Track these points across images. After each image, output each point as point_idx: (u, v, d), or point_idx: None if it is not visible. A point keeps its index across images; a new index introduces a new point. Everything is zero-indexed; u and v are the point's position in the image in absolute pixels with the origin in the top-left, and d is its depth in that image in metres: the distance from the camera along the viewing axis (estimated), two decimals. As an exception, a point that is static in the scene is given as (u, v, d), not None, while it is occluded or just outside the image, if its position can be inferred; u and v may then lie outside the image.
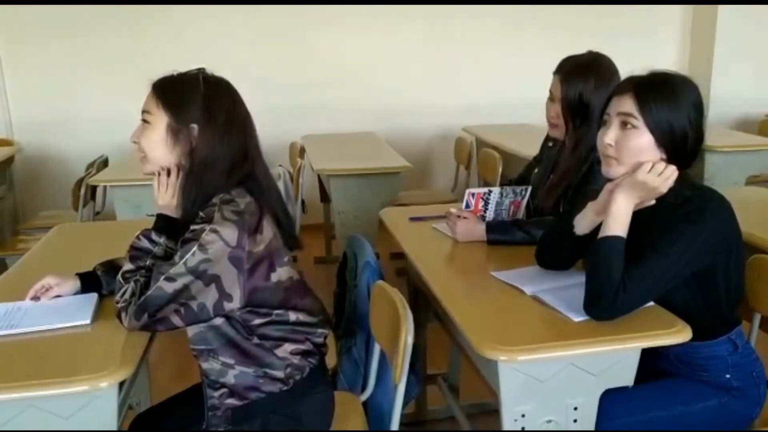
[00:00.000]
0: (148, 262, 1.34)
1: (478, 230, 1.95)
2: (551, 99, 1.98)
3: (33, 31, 4.39)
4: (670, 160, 1.40)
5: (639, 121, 1.38)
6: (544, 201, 2.02)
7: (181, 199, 1.38)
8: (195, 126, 1.35)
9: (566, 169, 1.95)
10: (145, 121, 1.39)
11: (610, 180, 1.46)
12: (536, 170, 2.17)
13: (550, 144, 2.15)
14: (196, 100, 1.34)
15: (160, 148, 1.37)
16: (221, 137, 1.35)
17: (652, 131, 1.37)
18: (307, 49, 4.72)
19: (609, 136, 1.42)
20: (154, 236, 1.38)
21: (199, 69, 1.40)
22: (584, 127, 1.89)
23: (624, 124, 1.40)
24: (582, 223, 1.52)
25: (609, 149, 1.42)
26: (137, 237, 1.38)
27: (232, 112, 1.37)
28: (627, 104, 1.39)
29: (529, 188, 2.07)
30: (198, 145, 1.35)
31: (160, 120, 1.36)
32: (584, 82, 1.89)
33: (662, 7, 5.12)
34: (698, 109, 1.40)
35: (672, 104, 1.37)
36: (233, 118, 1.37)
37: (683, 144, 1.39)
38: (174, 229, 1.39)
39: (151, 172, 1.42)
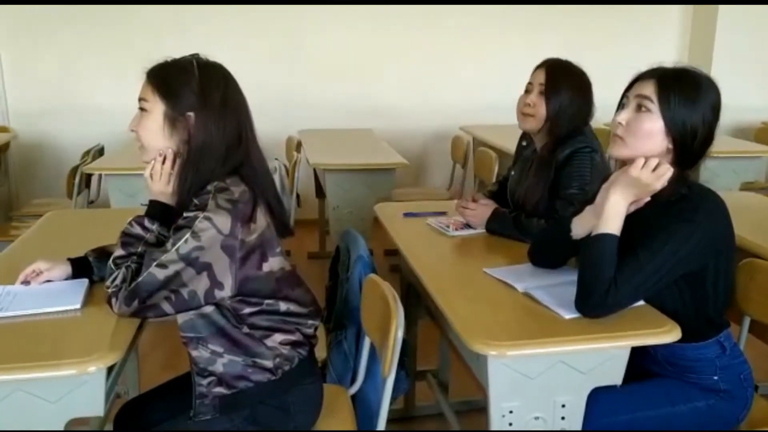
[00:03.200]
0: (140, 249, 1.34)
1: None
2: (529, 91, 2.03)
3: (32, 19, 4.38)
4: (675, 154, 1.40)
5: (654, 106, 1.38)
6: (527, 199, 2.03)
7: (177, 186, 1.38)
8: (191, 114, 1.34)
9: (542, 163, 1.99)
10: (142, 109, 1.38)
11: (604, 179, 1.47)
12: (512, 172, 2.20)
13: (524, 143, 2.17)
14: (191, 87, 1.34)
15: (158, 137, 1.37)
16: (216, 122, 1.34)
17: (665, 120, 1.38)
18: (308, 45, 4.71)
19: (621, 116, 1.42)
20: (146, 223, 1.37)
21: (193, 54, 1.39)
22: (559, 118, 1.95)
23: (639, 107, 1.40)
24: (580, 227, 1.51)
25: (619, 128, 1.43)
26: (129, 223, 1.38)
27: (227, 96, 1.37)
28: (647, 88, 1.40)
29: None
30: (195, 132, 1.34)
31: (157, 108, 1.35)
32: (569, 80, 1.97)
33: (661, 9, 5.13)
34: (715, 111, 1.40)
35: (691, 100, 1.38)
36: (227, 102, 1.36)
37: (691, 141, 1.39)
38: (167, 216, 1.38)
39: (149, 160, 1.41)
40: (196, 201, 1.31)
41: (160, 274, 1.26)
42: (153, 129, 1.36)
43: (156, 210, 1.40)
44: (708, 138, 1.40)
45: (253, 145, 1.40)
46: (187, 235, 1.26)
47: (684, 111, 1.37)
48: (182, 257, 1.26)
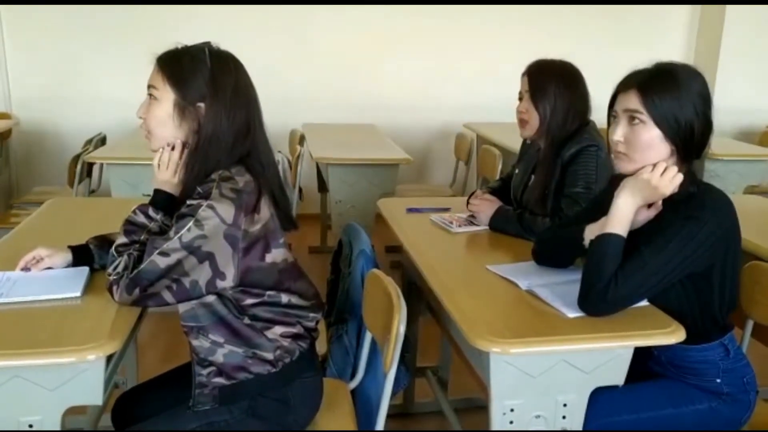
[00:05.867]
0: (142, 237, 1.32)
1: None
2: (520, 99, 2.04)
3: (36, 6, 4.36)
4: (679, 153, 1.39)
5: (645, 116, 1.37)
6: (530, 196, 2.04)
7: (183, 175, 1.36)
8: (202, 105, 1.33)
9: (545, 162, 1.99)
10: (151, 96, 1.36)
11: (613, 183, 1.45)
12: (516, 170, 2.20)
13: (529, 142, 2.18)
14: (203, 76, 1.32)
15: (167, 125, 1.35)
16: (227, 113, 1.33)
17: (659, 125, 1.37)
18: (313, 39, 4.69)
19: (618, 133, 1.41)
20: (151, 212, 1.36)
21: (205, 42, 1.37)
22: (553, 117, 1.95)
23: (631, 119, 1.39)
24: (593, 235, 1.46)
25: (619, 146, 1.42)
26: (133, 211, 1.36)
27: (238, 85, 1.35)
28: (632, 100, 1.39)
29: None
30: (204, 122, 1.33)
31: (167, 96, 1.34)
32: (551, 79, 1.97)
33: (668, 9, 5.11)
34: (704, 98, 1.39)
35: (676, 96, 1.36)
36: (238, 92, 1.35)
37: (690, 136, 1.38)
38: (171, 206, 1.37)
39: (157, 148, 1.39)
40: (199, 189, 1.29)
41: (162, 262, 1.25)
42: (162, 118, 1.35)
43: (160, 199, 1.39)
44: (707, 127, 1.39)
45: (260, 135, 1.39)
46: (190, 224, 1.25)
47: (673, 110, 1.36)
48: (185, 246, 1.25)
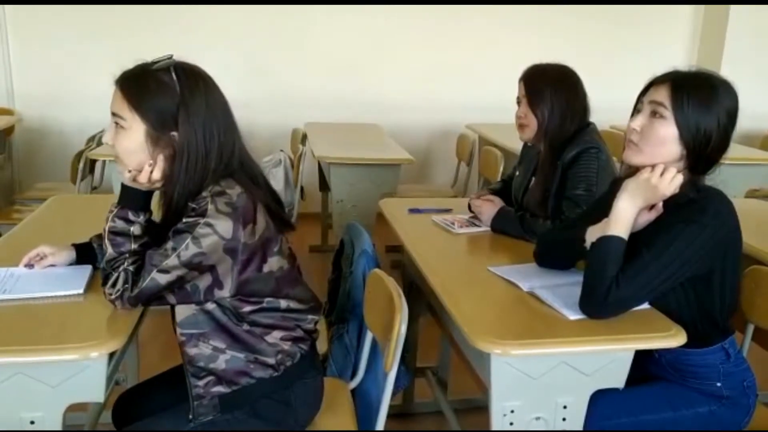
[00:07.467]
0: (133, 247, 1.30)
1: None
2: (518, 103, 2.04)
3: (41, 3, 4.36)
4: (689, 159, 1.39)
5: (668, 112, 1.37)
6: (530, 198, 2.05)
7: (164, 193, 1.33)
8: (175, 133, 1.28)
9: (545, 165, 2.00)
10: (117, 124, 1.30)
11: (615, 186, 1.46)
12: (517, 172, 2.21)
13: (530, 144, 2.17)
14: (174, 102, 1.27)
15: (139, 154, 1.30)
16: (204, 132, 1.28)
17: (679, 126, 1.37)
18: (316, 38, 4.69)
19: (636, 122, 1.42)
20: (131, 216, 1.32)
21: (169, 60, 1.30)
22: (551, 121, 1.95)
23: (654, 112, 1.40)
24: (594, 237, 1.46)
25: (633, 134, 1.42)
26: (112, 220, 1.31)
27: (210, 102, 1.30)
28: (661, 94, 1.39)
29: None
30: (180, 148, 1.28)
31: (136, 127, 1.28)
32: (548, 84, 1.97)
33: (672, 10, 5.10)
34: (731, 115, 1.39)
35: (705, 104, 1.37)
36: (212, 110, 1.30)
37: (705, 146, 1.38)
38: (145, 202, 1.35)
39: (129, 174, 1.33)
40: (193, 205, 1.27)
41: (163, 279, 1.25)
42: (133, 149, 1.30)
43: (135, 198, 1.34)
44: (723, 143, 1.39)
45: (240, 146, 1.35)
46: (188, 241, 1.24)
47: (698, 116, 1.36)
48: (184, 263, 1.24)
